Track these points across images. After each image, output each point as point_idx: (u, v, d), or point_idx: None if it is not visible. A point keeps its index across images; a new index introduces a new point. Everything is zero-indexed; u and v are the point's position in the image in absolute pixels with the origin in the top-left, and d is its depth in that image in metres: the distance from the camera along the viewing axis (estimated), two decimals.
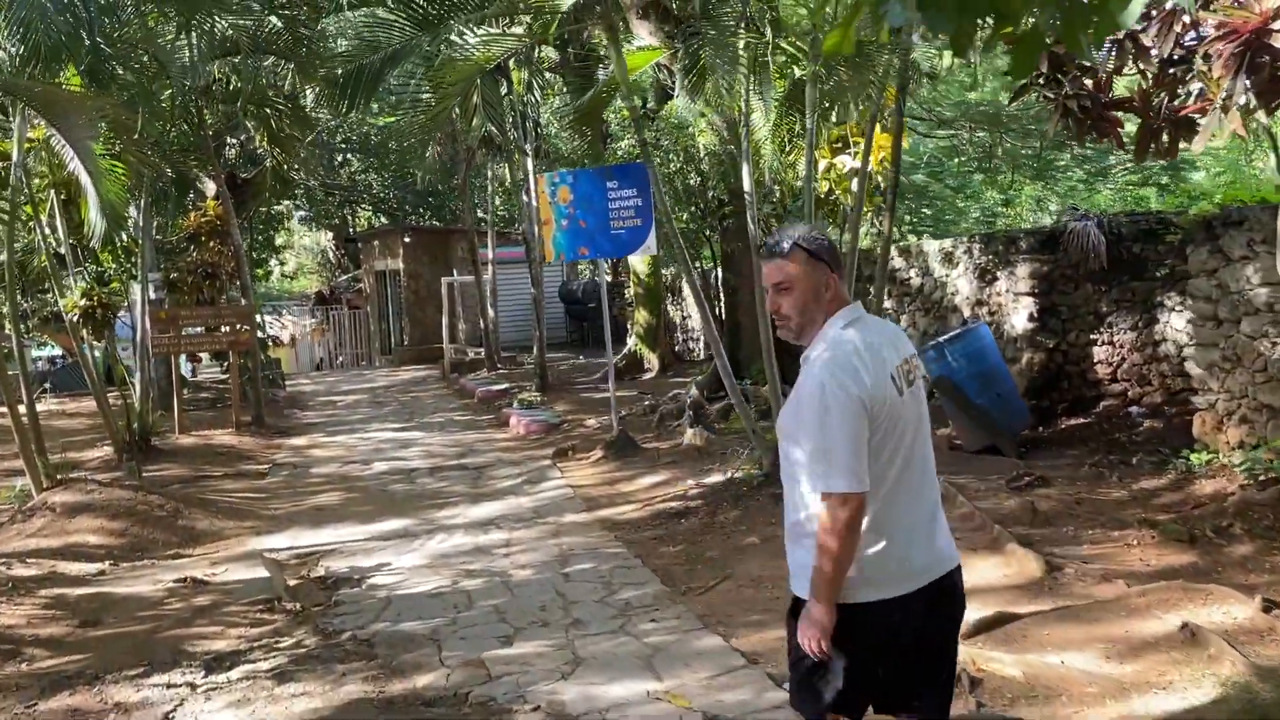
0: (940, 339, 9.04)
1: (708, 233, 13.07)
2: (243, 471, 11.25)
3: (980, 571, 5.89)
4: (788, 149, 9.77)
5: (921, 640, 2.63)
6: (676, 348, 18.84)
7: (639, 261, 17.38)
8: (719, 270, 14.55)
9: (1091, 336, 9.69)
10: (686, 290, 19.26)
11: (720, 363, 8.06)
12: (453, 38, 7.66)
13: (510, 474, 10.35)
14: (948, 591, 2.70)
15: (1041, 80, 6.36)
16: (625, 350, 17.81)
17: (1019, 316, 9.78)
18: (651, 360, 17.46)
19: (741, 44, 8.09)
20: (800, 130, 9.51)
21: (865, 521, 2.50)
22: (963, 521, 6.68)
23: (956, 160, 16.73)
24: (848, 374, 2.46)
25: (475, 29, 8.00)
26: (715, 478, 8.86)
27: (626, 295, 22.57)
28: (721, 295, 13.92)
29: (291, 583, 6.97)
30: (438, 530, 8.20)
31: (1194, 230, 7.35)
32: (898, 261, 11.90)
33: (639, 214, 10.02)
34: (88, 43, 7.51)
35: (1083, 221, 9.51)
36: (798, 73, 8.65)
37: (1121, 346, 9.63)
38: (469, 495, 9.50)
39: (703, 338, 18.55)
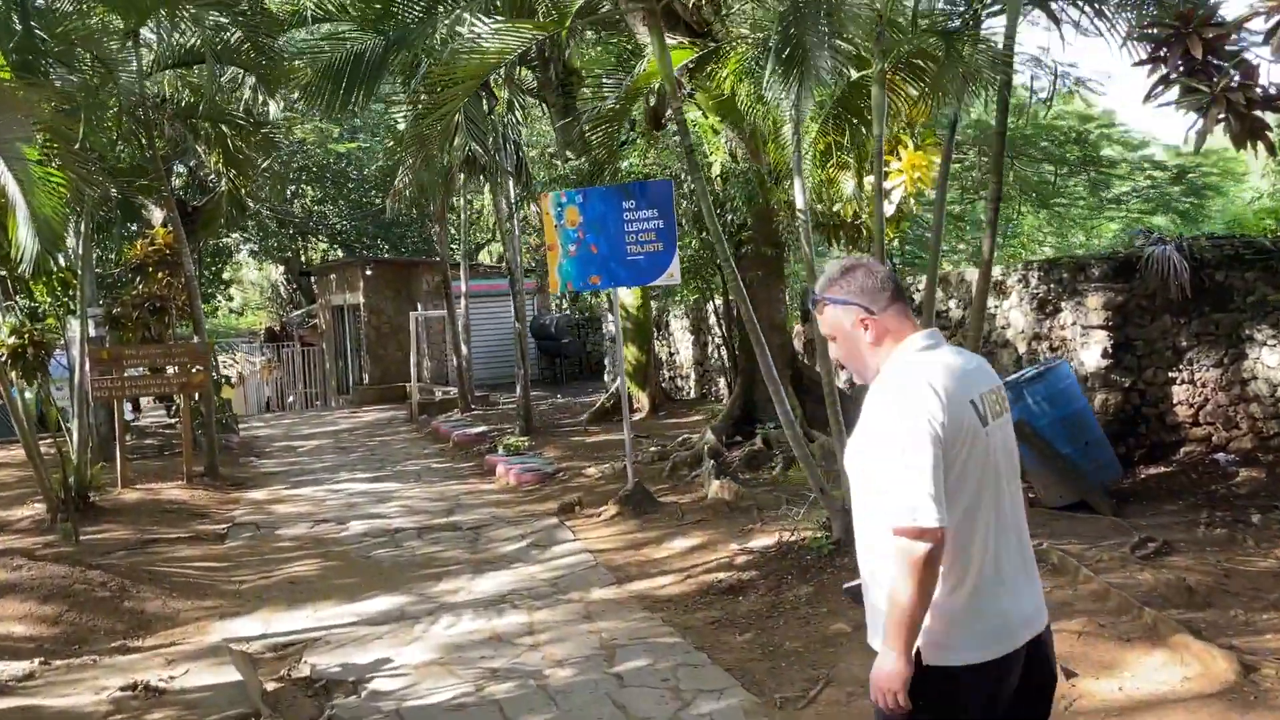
0: (1016, 377, 7.93)
1: (719, 261, 11.88)
2: (198, 534, 9.76)
3: (1145, 672, 4.73)
4: (829, 163, 8.66)
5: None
6: (664, 386, 17.61)
7: (627, 293, 16.18)
8: (722, 302, 13.38)
9: (1170, 375, 8.66)
10: (674, 325, 18.09)
11: (781, 410, 6.86)
12: (461, 29, 6.45)
13: (512, 535, 9.00)
14: (1041, 657, 2.45)
15: (1181, 67, 5.33)
16: (612, 389, 16.55)
17: (1090, 353, 8.72)
18: (641, 400, 16.21)
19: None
20: (847, 143, 8.43)
21: (950, 565, 2.26)
22: (1096, 601, 5.51)
23: (960, 188, 15.81)
24: (917, 397, 2.25)
25: (485, 19, 6.81)
26: (762, 541, 7.62)
27: (604, 330, 21.37)
28: (730, 330, 12.74)
29: (269, 686, 5.59)
30: (440, 610, 6.85)
31: None
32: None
33: (660, 237, 8.83)
34: (19, 26, 6.14)
35: (1161, 246, 8.49)
36: (853, 74, 7.54)
37: (1204, 385, 8.60)
38: (469, 563, 8.15)
39: (693, 375, 17.37)
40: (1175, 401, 8.66)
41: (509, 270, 15.76)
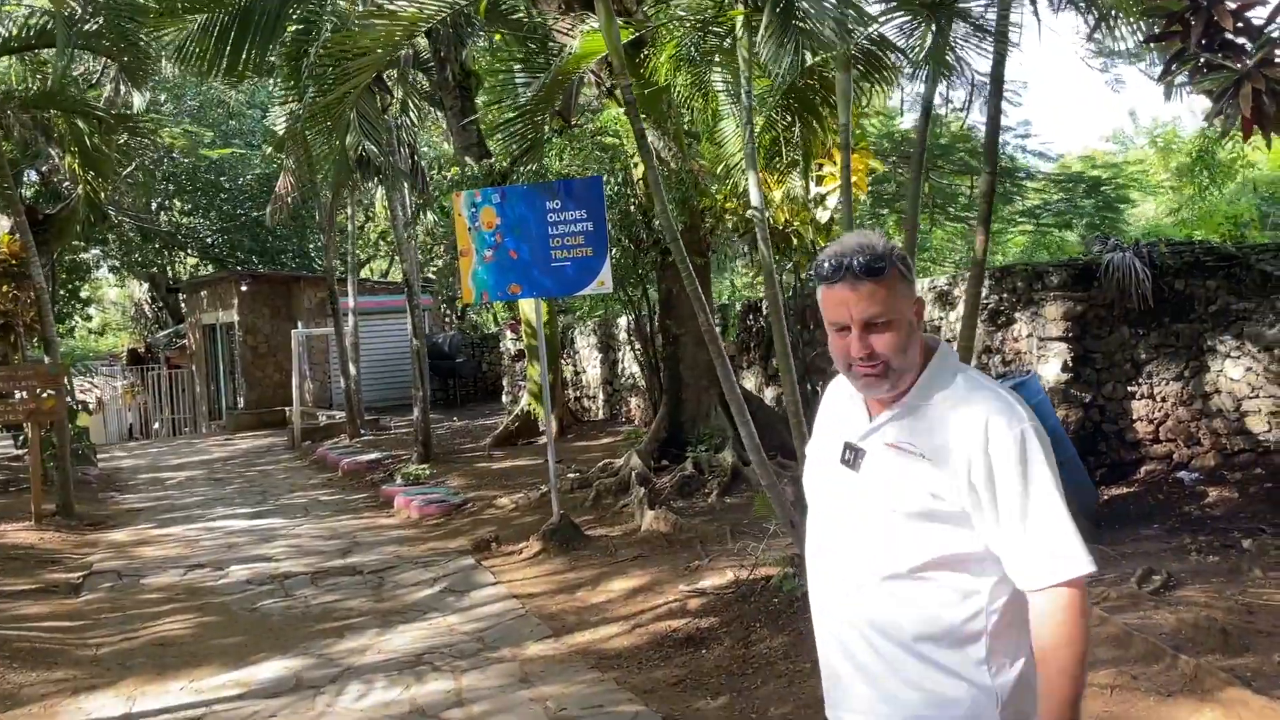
0: None
1: (641, 271, 11.04)
2: (47, 585, 8.36)
3: None
4: (775, 159, 7.93)
5: None
6: (570, 407, 16.66)
7: (530, 307, 15.20)
8: (644, 315, 12.55)
9: (1130, 389, 8.19)
10: (580, 343, 17.20)
11: (746, 432, 6.00)
12: None
13: (423, 579, 7.92)
14: None
15: (1203, 43, 4.76)
16: (517, 411, 15.53)
17: (1048, 366, 8.18)
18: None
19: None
20: (796, 139, 7.71)
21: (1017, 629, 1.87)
22: (1117, 647, 4.83)
23: (866, 197, 15.37)
24: (1026, 418, 1.88)
25: None
26: (713, 580, 6.77)
27: (501, 348, 20.34)
28: (652, 346, 11.91)
29: None
30: (346, 676, 5.76)
31: None
32: None
33: (589, 241, 7.93)
34: None
35: (1121, 253, 8.03)
36: (809, 58, 6.81)
37: (1165, 400, 8.15)
38: (375, 614, 7.05)
39: (600, 395, 16.48)
40: (1135, 417, 8.19)
41: (406, 283, 14.58)
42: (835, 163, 9.88)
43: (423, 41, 13.29)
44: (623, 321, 15.87)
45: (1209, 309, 8.02)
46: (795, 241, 10.55)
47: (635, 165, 9.52)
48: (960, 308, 9.20)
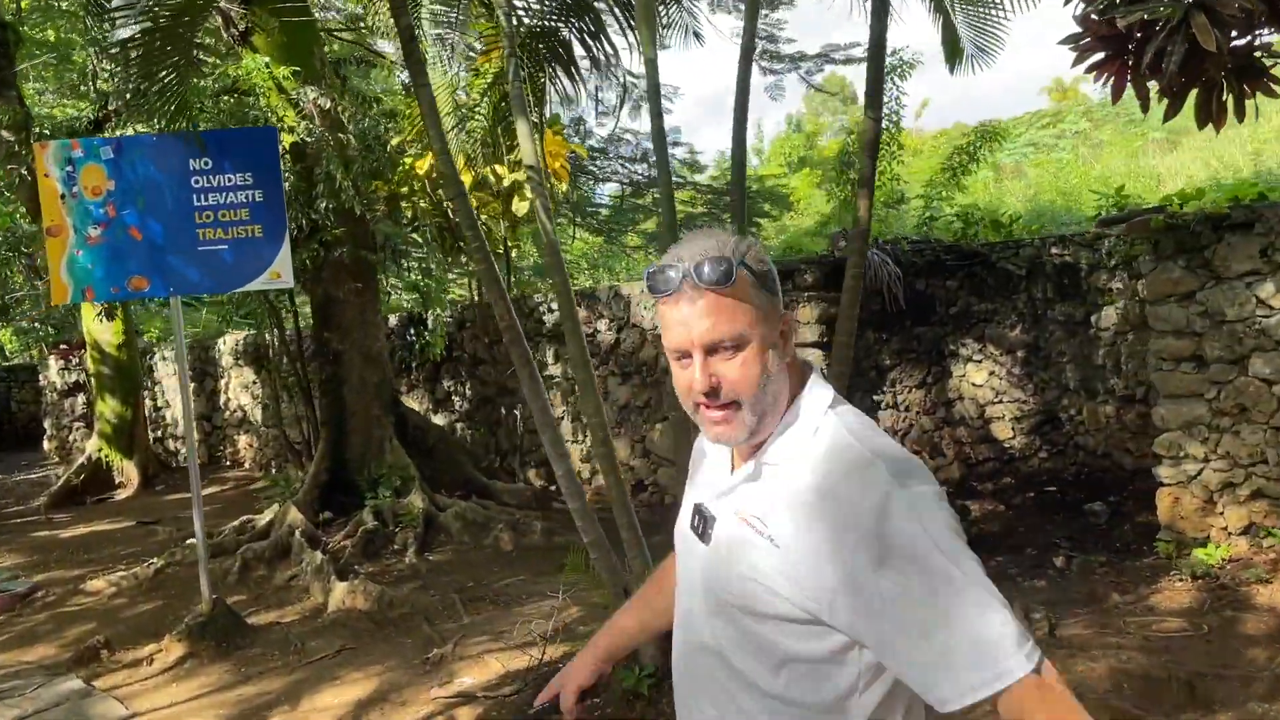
0: None
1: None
2: None
3: None
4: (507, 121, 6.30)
5: None
6: (154, 450, 13.46)
7: (100, 324, 12.04)
8: (284, 329, 10.14)
9: (875, 398, 7.55)
10: (162, 370, 14.08)
11: (564, 469, 4.28)
12: None
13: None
14: None
15: None
16: (82, 460, 12.16)
17: None
18: (128, 472, 12.07)
19: None
20: (529, 98, 6.16)
21: None
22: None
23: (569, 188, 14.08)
24: (928, 476, 1.39)
25: None
26: (476, 674, 4.94)
27: (42, 379, 16.35)
28: (302, 366, 9.54)
29: None
30: None
31: (1148, 238, 5.42)
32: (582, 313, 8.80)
33: (258, 216, 5.70)
34: None
35: (872, 250, 7.37)
36: None
37: (909, 409, 7.62)
38: None
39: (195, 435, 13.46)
40: (882, 428, 7.56)
41: None
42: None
43: None
44: (224, 343, 13.10)
45: (950, 310, 7.62)
46: (489, 233, 8.90)
47: (284, 128, 7.31)
48: None
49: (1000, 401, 7.47)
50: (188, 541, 8.18)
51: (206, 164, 5.70)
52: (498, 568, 6.95)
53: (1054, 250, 7.15)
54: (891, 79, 11.75)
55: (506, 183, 8.27)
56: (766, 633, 1.41)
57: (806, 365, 1.50)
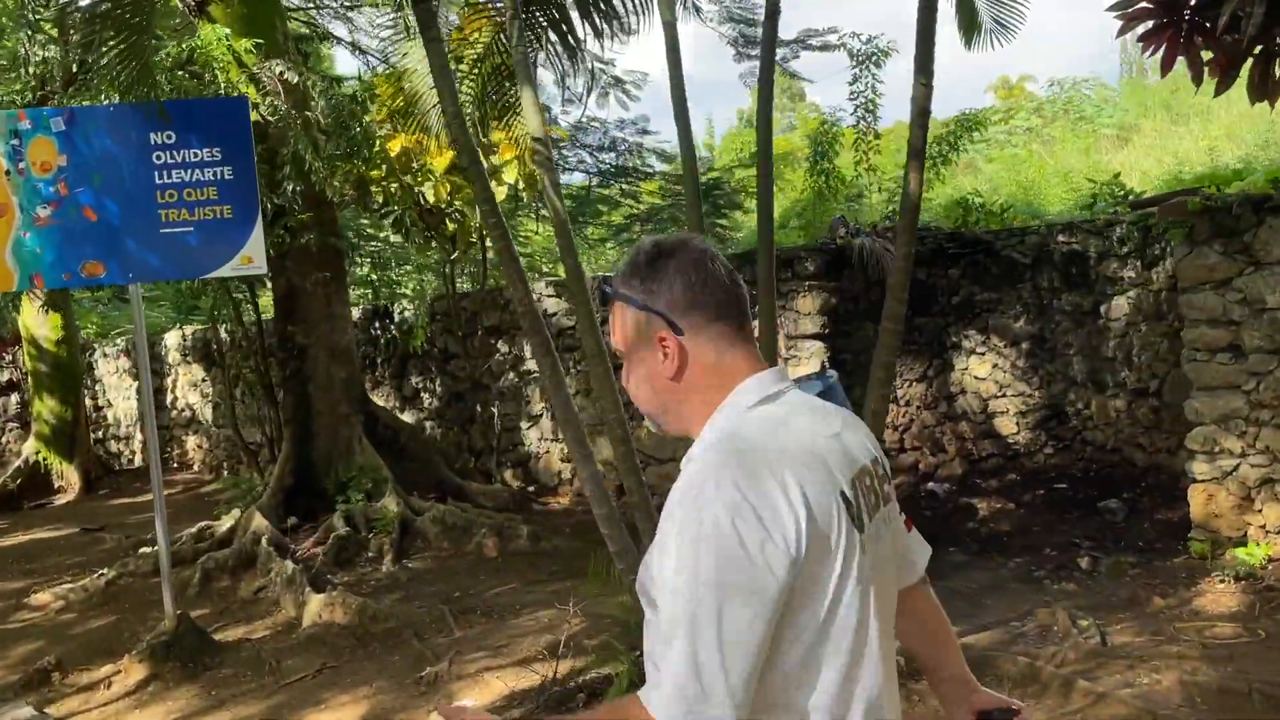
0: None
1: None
2: None
3: None
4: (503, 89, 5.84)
5: None
6: (96, 452, 12.76)
7: (39, 318, 11.37)
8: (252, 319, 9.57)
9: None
10: (103, 368, 13.37)
11: (589, 473, 3.86)
12: None
13: None
14: None
15: None
16: (19, 463, 11.44)
17: (804, 370, 6.96)
18: (68, 475, 11.38)
19: None
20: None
21: None
22: None
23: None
24: (753, 520, 1.24)
25: None
26: (478, 695, 4.51)
27: None
28: (264, 360, 8.98)
29: None
30: None
31: (1183, 221, 5.16)
32: (551, 303, 8.38)
33: (228, 196, 5.19)
34: None
35: (868, 237, 7.05)
36: None
37: (909, 403, 7.33)
38: None
39: (136, 436, 12.84)
40: (884, 425, 7.25)
41: None
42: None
43: None
44: (171, 338, 12.44)
45: (952, 300, 7.34)
46: (455, 227, 8.44)
47: (257, 105, 6.78)
48: None
49: (1004, 395, 7.20)
50: (140, 550, 7.62)
51: (170, 138, 5.18)
52: (484, 576, 6.51)
53: (1060, 238, 6.90)
54: (866, 67, 11.52)
55: (495, 162, 7.83)
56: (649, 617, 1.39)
57: (758, 378, 1.42)
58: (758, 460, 1.28)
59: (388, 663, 5.15)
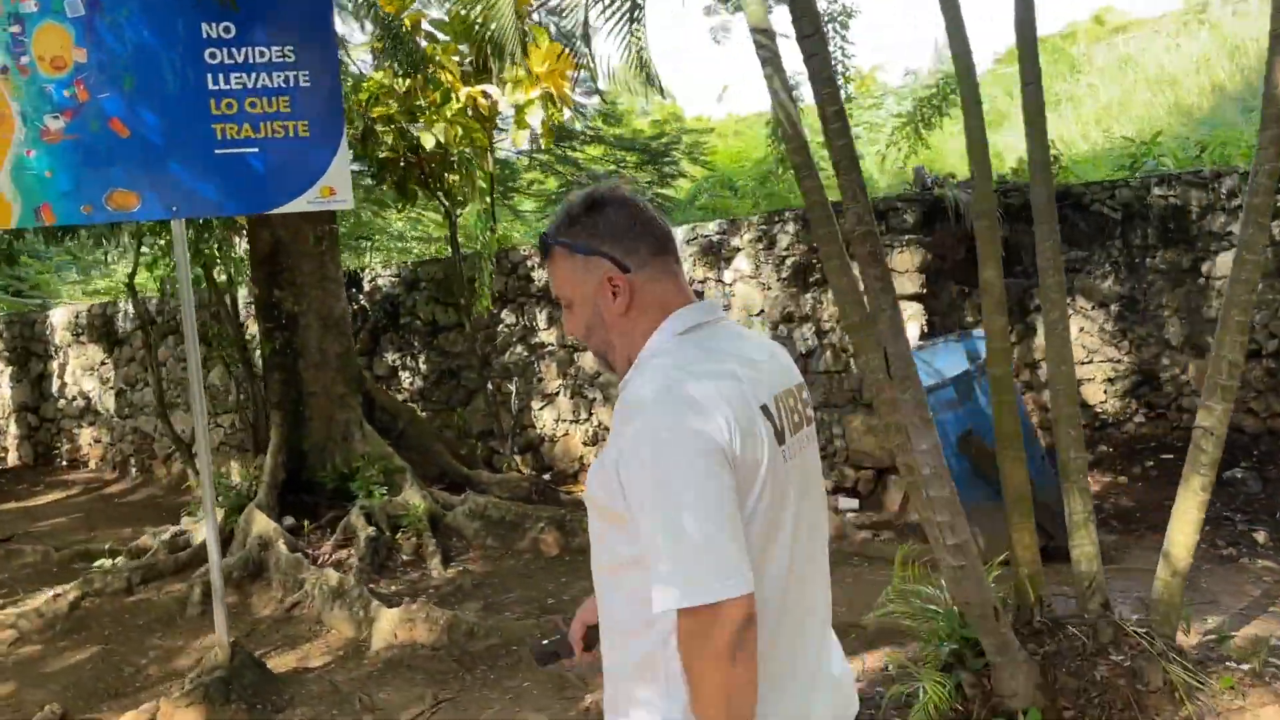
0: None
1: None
2: None
3: None
4: None
5: None
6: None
7: None
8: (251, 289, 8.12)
9: None
10: None
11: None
12: None
13: None
14: None
15: None
16: None
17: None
18: None
19: None
20: None
21: None
22: None
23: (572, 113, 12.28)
24: (688, 410, 1.39)
25: None
26: None
27: None
28: (240, 336, 7.58)
29: None
30: None
31: None
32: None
33: (304, 107, 4.02)
34: None
35: (962, 190, 6.43)
36: None
37: None
38: None
39: (13, 429, 11.05)
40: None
41: None
42: (532, 64, 6.96)
43: None
44: (58, 315, 10.71)
45: (1035, 259, 6.78)
46: (458, 178, 7.33)
47: None
48: (742, 262, 6.89)
49: (1091, 361, 6.73)
50: (98, 563, 6.23)
51: (228, 31, 3.97)
52: (564, 578, 5.52)
53: (1157, 190, 6.46)
54: (832, 26, 10.96)
55: (509, 102, 6.77)
56: (601, 527, 1.48)
57: (688, 309, 1.54)
58: (683, 374, 1.40)
59: (516, 690, 4.14)
